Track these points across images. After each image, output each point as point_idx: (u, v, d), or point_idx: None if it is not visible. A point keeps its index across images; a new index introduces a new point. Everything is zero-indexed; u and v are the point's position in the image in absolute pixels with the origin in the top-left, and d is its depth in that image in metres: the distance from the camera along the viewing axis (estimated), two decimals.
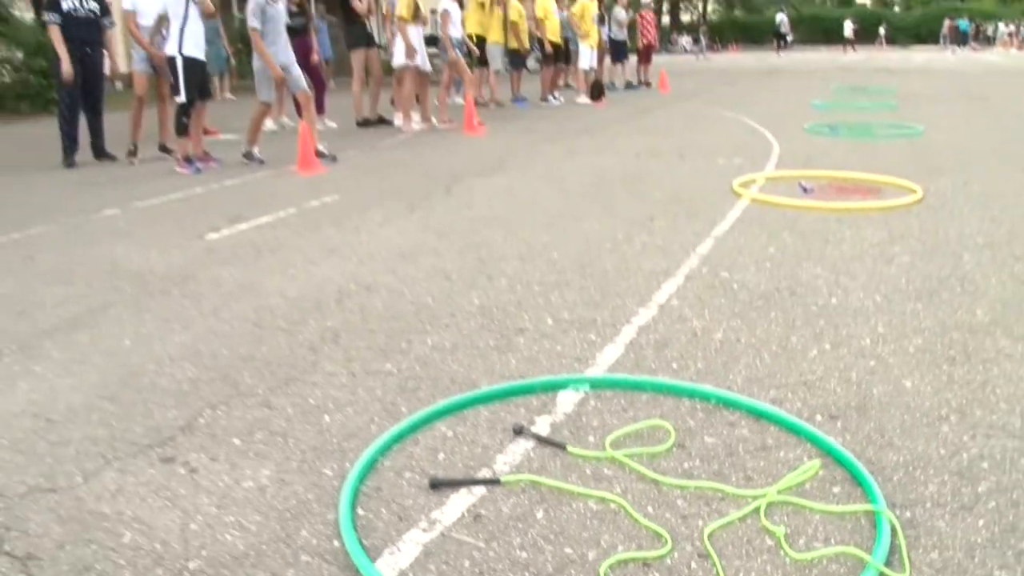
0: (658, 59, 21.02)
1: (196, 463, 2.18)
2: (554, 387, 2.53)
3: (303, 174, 6.91)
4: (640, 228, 4.58)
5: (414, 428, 2.30)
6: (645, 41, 16.83)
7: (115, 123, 8.51)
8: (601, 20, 16.03)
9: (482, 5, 11.92)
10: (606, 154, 7.50)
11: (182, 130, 7.35)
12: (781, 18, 38.25)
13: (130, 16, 8.25)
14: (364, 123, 10.41)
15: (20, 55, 16.33)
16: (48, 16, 8.03)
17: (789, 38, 39.38)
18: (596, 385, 2.55)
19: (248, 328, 3.21)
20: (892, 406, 2.40)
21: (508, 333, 3.04)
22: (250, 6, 7.25)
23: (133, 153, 8.18)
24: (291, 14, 9.73)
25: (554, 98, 13.20)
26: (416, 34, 9.88)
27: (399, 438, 2.25)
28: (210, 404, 2.54)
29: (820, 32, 51.59)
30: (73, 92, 8.05)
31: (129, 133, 8.23)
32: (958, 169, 6.29)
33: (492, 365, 2.75)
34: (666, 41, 49.91)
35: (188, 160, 7.33)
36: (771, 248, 4.13)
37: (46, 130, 8.88)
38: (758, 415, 2.33)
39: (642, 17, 16.86)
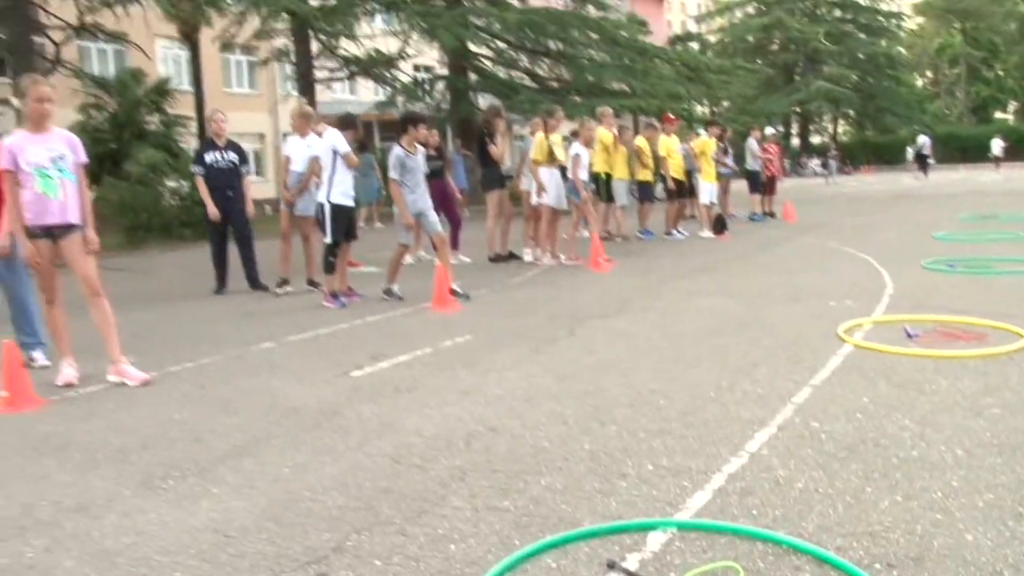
0: (788, 183, 21.36)
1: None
2: (646, 528, 2.94)
3: (438, 311, 7.57)
4: (744, 376, 4.95)
5: (524, 559, 2.74)
6: (768, 173, 17.27)
7: (268, 250, 9.56)
8: (725, 151, 16.66)
9: (607, 148, 12.65)
10: (722, 296, 7.89)
11: (329, 268, 8.19)
12: (924, 140, 37.92)
13: (285, 160, 9.38)
14: (496, 259, 11.15)
15: (186, 186, 18.13)
16: (194, 168, 9.36)
17: (931, 161, 39.05)
18: (682, 527, 2.94)
19: (387, 463, 3.74)
20: (949, 558, 2.69)
21: (612, 477, 3.46)
22: (391, 159, 8.11)
23: (282, 284, 9.15)
24: (429, 158, 10.69)
25: (678, 232, 13.71)
26: (549, 175, 10.62)
27: (510, 567, 2.69)
28: (356, 529, 3.05)
29: (957, 151, 50.85)
30: (218, 231, 9.27)
31: (278, 266, 9.21)
32: None
33: (595, 506, 3.18)
34: (795, 164, 50.14)
35: (334, 295, 8.14)
36: (864, 398, 4.42)
37: (206, 255, 9.95)
38: (822, 560, 2.67)
39: (765, 150, 17.34)
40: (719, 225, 13.74)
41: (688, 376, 5.03)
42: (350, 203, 8.33)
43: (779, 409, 4.28)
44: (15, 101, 6.07)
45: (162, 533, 3.10)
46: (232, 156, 9.33)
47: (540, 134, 10.72)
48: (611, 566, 2.68)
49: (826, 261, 10.12)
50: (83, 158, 5.65)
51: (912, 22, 67.31)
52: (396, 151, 8.11)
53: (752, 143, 17.15)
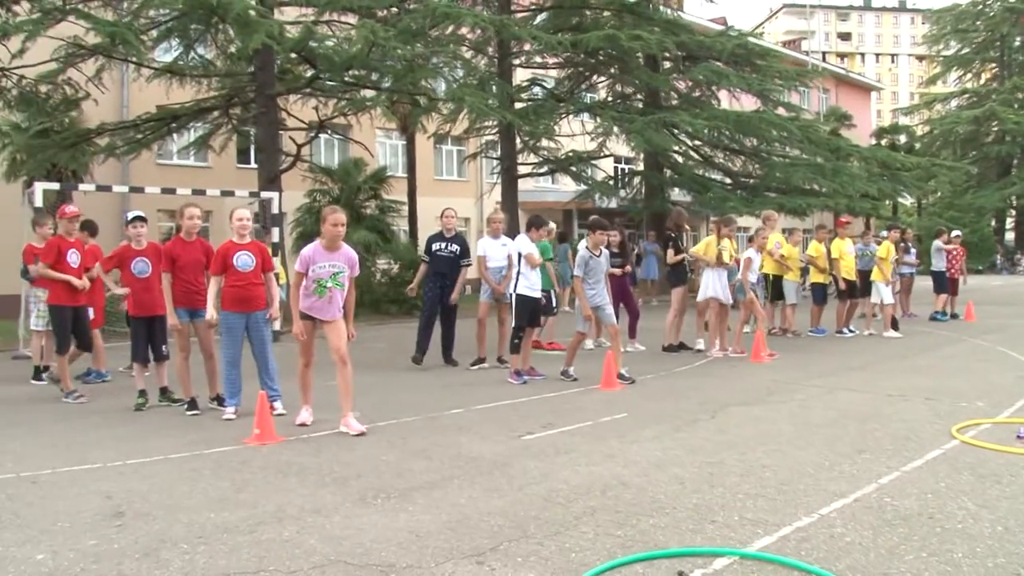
0: (997, 281, 21.08)
1: (497, 564, 3.91)
2: (715, 553, 4.01)
3: (605, 391, 8.79)
4: (845, 459, 5.85)
5: (620, 564, 3.88)
6: (951, 274, 17.45)
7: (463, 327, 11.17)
8: (907, 250, 17.09)
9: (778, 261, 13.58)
10: (863, 392, 8.66)
11: (515, 349, 9.58)
12: None
13: (481, 260, 10.93)
14: (669, 348, 12.24)
15: (396, 267, 20.32)
16: (423, 257, 11.04)
17: None
18: (742, 555, 3.99)
19: (539, 501, 4.96)
20: None
21: (704, 523, 4.53)
22: (578, 259, 9.43)
23: (477, 363, 10.66)
24: (612, 255, 12.03)
25: (849, 331, 14.31)
26: (717, 276, 11.67)
27: (609, 568, 3.84)
28: (508, 539, 4.28)
29: None
30: (432, 313, 10.88)
31: (476, 347, 10.73)
32: None
33: (684, 539, 4.26)
34: (1007, 262, 48.05)
35: (518, 373, 9.48)
36: (943, 484, 5.25)
37: (409, 331, 11.61)
38: (817, 574, 3.67)
39: (949, 253, 17.57)
40: (891, 324, 14.22)
41: (797, 455, 5.98)
42: (534, 294, 9.72)
43: (862, 486, 5.19)
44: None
45: (372, 530, 4.46)
46: (455, 247, 11.01)
47: (712, 237, 11.81)
48: (680, 574, 3.77)
49: (982, 363, 10.58)
50: (356, 272, 7.55)
51: None
52: (581, 251, 9.46)
53: (937, 243, 17.50)
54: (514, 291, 9.63)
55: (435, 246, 10.97)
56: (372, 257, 21.43)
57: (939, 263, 17.41)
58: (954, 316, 17.21)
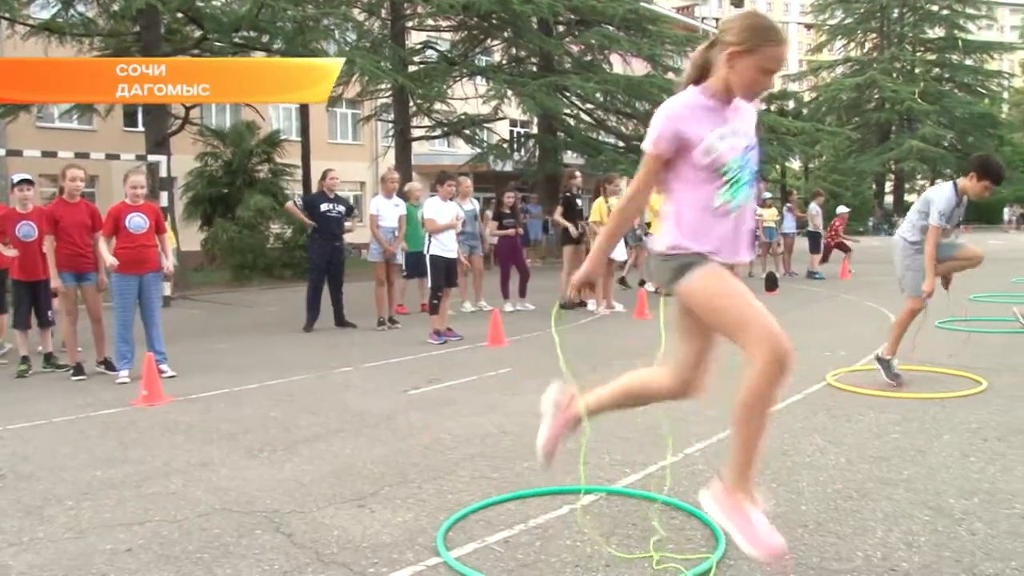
0: (876, 242, 22.07)
1: (377, 507, 4.11)
2: (583, 491, 4.29)
3: (491, 348, 9.05)
4: (715, 405, 6.17)
5: (494, 503, 4.13)
6: (826, 240, 18.22)
7: (356, 292, 11.28)
8: (791, 212, 17.83)
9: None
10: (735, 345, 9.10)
11: (433, 309, 9.73)
12: None
13: (374, 219, 11.00)
14: (567, 305, 12.54)
15: (289, 231, 20.19)
16: (296, 201, 11.16)
17: None
18: (609, 492, 4.29)
19: (421, 449, 5.17)
20: (781, 518, 3.95)
21: (575, 464, 4.77)
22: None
23: (382, 324, 10.82)
24: (503, 216, 12.26)
25: None
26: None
27: (482, 507, 4.08)
28: (388, 484, 4.48)
29: None
30: (321, 278, 10.93)
31: (375, 309, 10.88)
32: None
33: (556, 479, 4.53)
34: (885, 223, 50.25)
35: (437, 333, 9.64)
36: (799, 424, 5.65)
37: (301, 295, 11.69)
38: (689, 513, 3.98)
39: (834, 223, 18.30)
40: (770, 282, 14.86)
41: (671, 403, 6.31)
42: (448, 255, 9.79)
43: (726, 428, 5.53)
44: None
45: (257, 480, 4.61)
46: (341, 207, 11.05)
47: (600, 199, 12.14)
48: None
49: (850, 318, 11.21)
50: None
51: (1020, 80, 66.75)
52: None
53: (814, 207, 18.29)
54: (427, 252, 9.72)
55: (324, 207, 10.96)
56: (266, 221, 21.21)
57: (814, 225, 18.22)
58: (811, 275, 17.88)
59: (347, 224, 11.14)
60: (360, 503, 4.20)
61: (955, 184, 6.62)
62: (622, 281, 14.73)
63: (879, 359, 7.10)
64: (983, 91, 58.04)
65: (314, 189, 24.80)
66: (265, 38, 18.81)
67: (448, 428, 5.69)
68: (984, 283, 15.21)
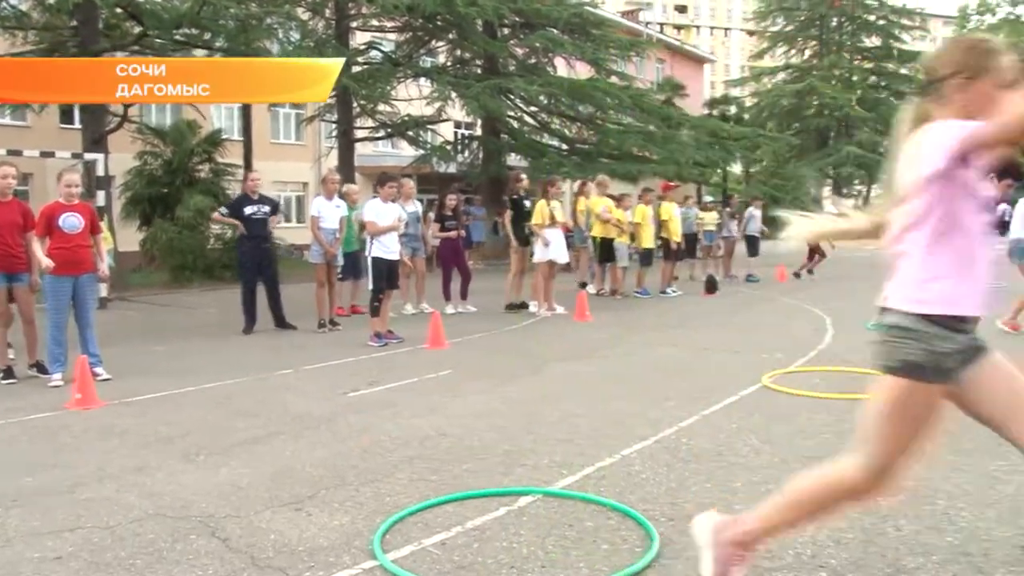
0: None
1: (314, 510, 4.09)
2: (519, 492, 4.31)
3: (432, 350, 9.04)
4: (653, 407, 6.29)
5: (432, 505, 4.13)
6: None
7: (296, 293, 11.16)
8: (732, 216, 18.09)
9: (606, 223, 14.10)
10: (680, 347, 9.23)
11: (374, 312, 9.66)
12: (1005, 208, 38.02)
13: (315, 220, 10.93)
14: (511, 307, 12.61)
15: (230, 232, 19.91)
16: (221, 210, 11.20)
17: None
18: (546, 494, 4.32)
19: (360, 452, 5.16)
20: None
21: (514, 466, 4.84)
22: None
23: (322, 326, 10.73)
24: (445, 218, 12.27)
25: (672, 291, 15.08)
26: (552, 234, 12.09)
27: (420, 509, 4.08)
28: (326, 487, 4.46)
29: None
30: (254, 280, 10.80)
31: (317, 311, 10.80)
32: None
33: (495, 482, 4.55)
34: None
35: (378, 336, 9.58)
36: (735, 424, 5.75)
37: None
38: (624, 514, 4.02)
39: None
40: (710, 285, 15.07)
41: (609, 405, 6.39)
42: (390, 256, 9.74)
43: (664, 430, 5.62)
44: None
45: (193, 485, 4.57)
46: (266, 207, 10.92)
47: (542, 201, 12.19)
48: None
49: (787, 320, 11.41)
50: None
51: None
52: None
53: (754, 211, 18.58)
54: (369, 254, 9.65)
55: (248, 209, 10.79)
56: (206, 222, 20.90)
57: (752, 228, 18.50)
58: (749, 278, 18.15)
59: (273, 220, 11.02)
60: (297, 506, 4.18)
61: None
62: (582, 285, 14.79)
63: None
64: (917, 100, 59.40)
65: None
66: (207, 36, 18.55)
67: (387, 431, 5.68)
68: None
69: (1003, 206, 10.46)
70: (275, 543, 3.72)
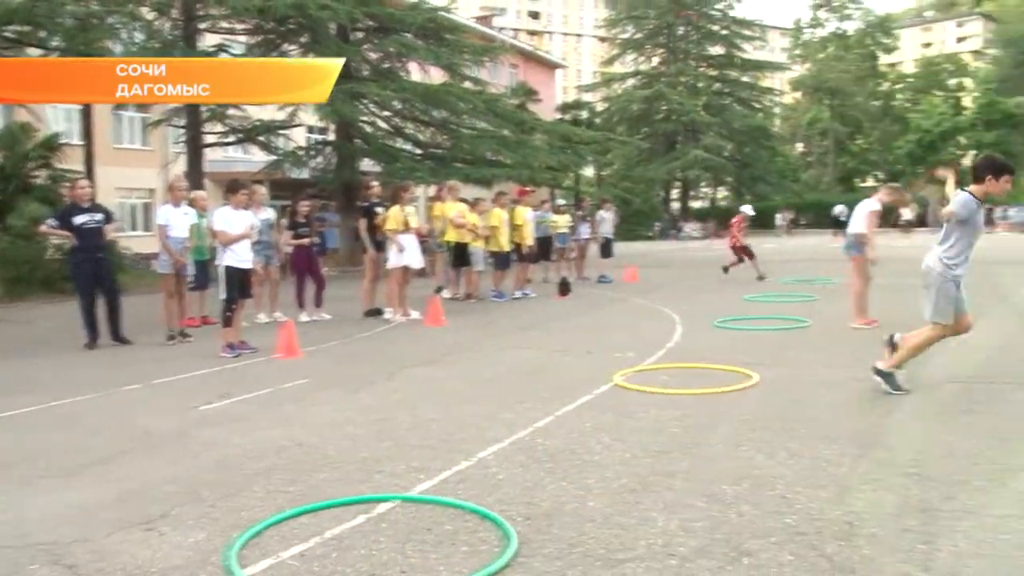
0: (666, 246, 23.15)
1: (167, 529, 4.00)
2: (378, 499, 4.34)
3: (285, 359, 8.92)
4: (507, 409, 6.41)
5: (289, 517, 4.11)
6: (731, 243, 18.74)
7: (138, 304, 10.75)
8: (583, 219, 18.51)
9: (461, 226, 14.21)
10: (534, 349, 9.42)
11: (226, 322, 9.41)
12: (841, 208, 38.59)
13: (162, 229, 10.57)
14: (369, 313, 12.54)
15: (69, 242, 18.93)
16: (49, 221, 10.70)
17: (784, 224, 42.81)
18: (404, 499, 4.36)
19: (214, 466, 5.07)
20: (569, 515, 4.14)
21: (372, 473, 4.86)
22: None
23: (172, 338, 10.37)
24: (297, 225, 12.12)
25: (524, 293, 15.33)
26: (407, 239, 12.09)
27: (277, 521, 4.05)
28: (179, 504, 4.37)
29: (825, 217, 54.48)
30: (92, 292, 10.32)
31: (166, 322, 10.45)
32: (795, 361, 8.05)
33: (353, 490, 4.56)
34: (669, 228, 53.05)
35: (230, 346, 9.34)
36: (588, 424, 5.92)
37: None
38: (483, 516, 4.10)
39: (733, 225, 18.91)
40: (563, 287, 15.40)
41: (464, 408, 6.48)
42: (243, 265, 9.51)
43: (518, 431, 5.74)
44: None
45: (35, 510, 4.39)
46: (99, 216, 10.40)
47: (395, 207, 12.19)
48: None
49: (638, 320, 11.78)
50: None
51: (789, 96, 72.24)
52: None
53: (604, 213, 19.08)
54: (222, 263, 9.39)
55: (79, 219, 10.20)
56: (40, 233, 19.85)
57: (605, 230, 19.03)
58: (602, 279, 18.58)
59: (108, 229, 10.57)
60: (149, 526, 4.08)
61: (969, 193, 6.48)
62: (438, 290, 14.81)
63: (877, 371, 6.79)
64: (758, 106, 62.69)
65: (100, 198, 23.51)
66: (43, 34, 17.67)
67: (242, 443, 5.59)
68: (757, 284, 16.40)
69: (839, 207, 11.17)
70: (126, 566, 3.63)
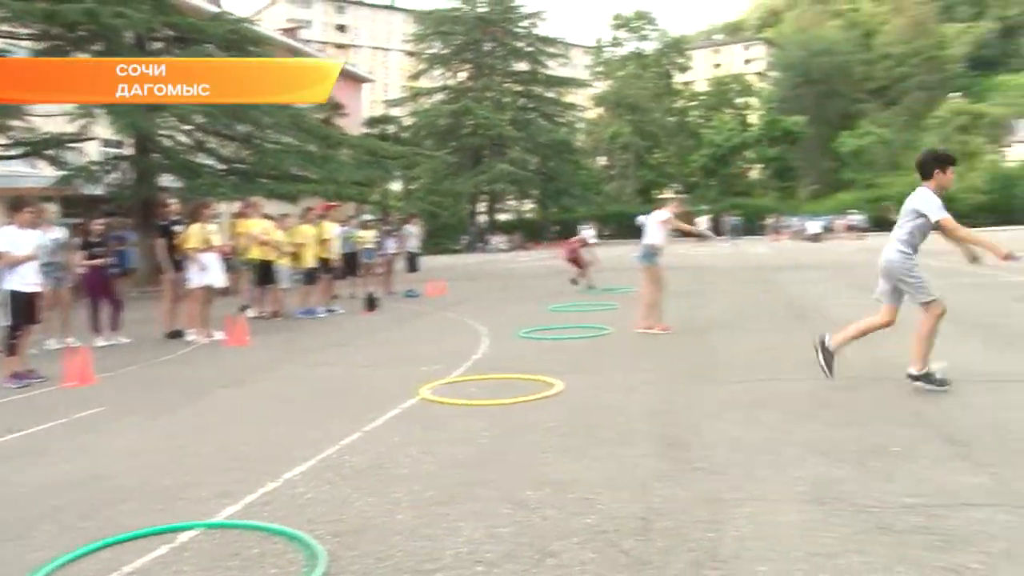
0: (472, 259, 23.37)
1: None
2: (179, 529, 4.24)
3: (80, 387, 8.49)
4: (315, 427, 6.38)
5: (85, 554, 3.96)
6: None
7: None
8: (389, 234, 18.53)
9: (265, 243, 13.96)
10: (340, 366, 9.38)
11: (10, 350, 8.80)
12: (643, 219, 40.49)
13: None
14: (172, 335, 12.07)
15: None
16: None
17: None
18: (208, 526, 4.28)
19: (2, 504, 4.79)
20: (377, 529, 4.19)
21: (173, 501, 4.74)
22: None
23: None
24: (91, 244, 11.55)
25: (331, 310, 15.21)
26: (209, 258, 11.76)
27: (73, 559, 3.90)
28: None
29: (627, 227, 56.71)
30: None
31: None
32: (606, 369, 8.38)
33: (155, 520, 4.42)
34: (476, 241, 53.96)
35: (16, 375, 8.74)
36: (396, 437, 5.97)
37: None
38: (290, 538, 4.09)
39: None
40: (370, 303, 15.38)
41: (271, 429, 6.40)
42: (29, 289, 8.93)
43: (326, 449, 5.73)
44: None
45: None
46: None
47: (196, 224, 11.83)
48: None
49: (445, 333, 11.93)
50: None
51: (591, 112, 74.85)
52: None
53: (410, 228, 19.18)
54: (5, 287, 8.77)
55: None
56: None
57: (411, 244, 19.16)
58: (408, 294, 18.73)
59: None
60: None
61: (926, 189, 6.60)
62: (242, 308, 14.40)
63: (915, 377, 6.74)
64: (562, 121, 64.63)
65: None
66: None
67: (30, 480, 5.30)
68: (566, 295, 16.94)
69: (641, 217, 11.74)
70: None
